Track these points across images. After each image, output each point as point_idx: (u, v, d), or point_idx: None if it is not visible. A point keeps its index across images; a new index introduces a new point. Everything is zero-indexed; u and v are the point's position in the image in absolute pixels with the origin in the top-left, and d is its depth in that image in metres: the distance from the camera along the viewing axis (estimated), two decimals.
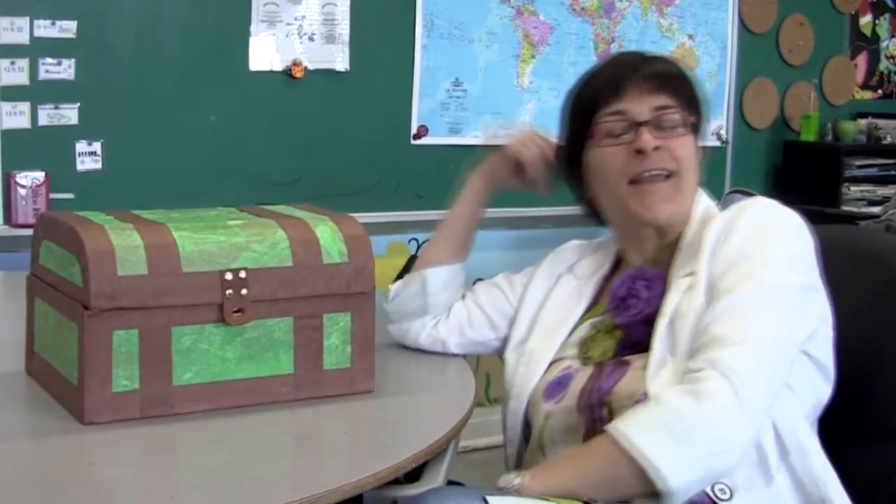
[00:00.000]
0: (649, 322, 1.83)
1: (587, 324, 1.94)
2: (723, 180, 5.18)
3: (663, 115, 1.90)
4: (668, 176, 1.89)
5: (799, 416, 1.80)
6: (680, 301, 1.79)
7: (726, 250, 1.78)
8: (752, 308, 1.72)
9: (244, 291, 1.69)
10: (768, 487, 1.72)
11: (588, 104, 1.95)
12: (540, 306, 2.05)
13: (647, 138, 1.88)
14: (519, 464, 1.96)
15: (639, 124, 1.89)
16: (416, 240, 4.57)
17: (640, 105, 1.90)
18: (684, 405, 1.63)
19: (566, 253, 2.13)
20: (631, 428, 1.62)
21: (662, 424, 1.62)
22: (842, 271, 1.91)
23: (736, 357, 1.65)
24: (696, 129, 1.95)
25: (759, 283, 1.74)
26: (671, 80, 1.93)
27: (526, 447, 1.94)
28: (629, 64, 1.94)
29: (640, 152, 1.88)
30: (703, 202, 1.95)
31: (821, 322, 1.81)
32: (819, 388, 1.84)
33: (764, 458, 1.73)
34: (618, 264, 2.04)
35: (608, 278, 2.02)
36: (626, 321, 1.87)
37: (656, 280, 1.87)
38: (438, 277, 2.12)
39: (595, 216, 2.04)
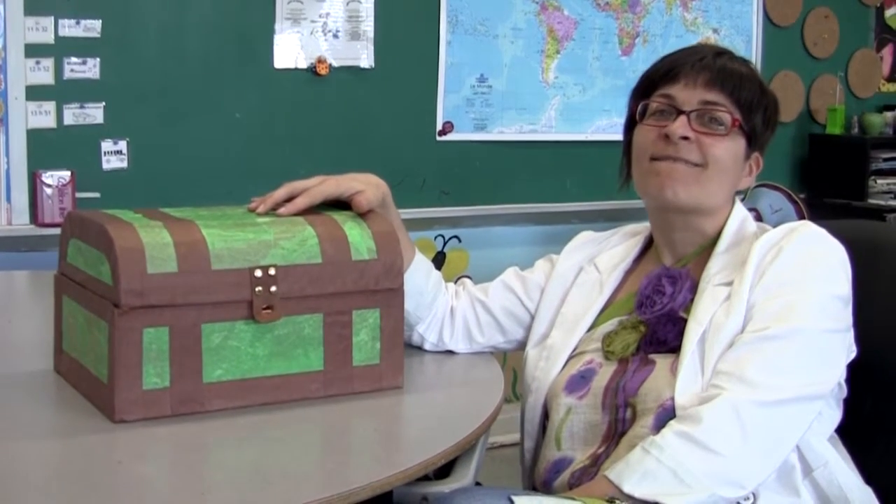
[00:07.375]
0: (674, 319, 1.83)
1: (614, 320, 1.93)
2: None
3: (708, 109, 1.88)
4: (695, 166, 1.88)
5: (823, 435, 1.81)
6: (716, 312, 1.79)
7: (770, 275, 1.78)
8: (785, 352, 1.72)
9: (273, 288, 1.69)
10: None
11: (647, 85, 1.96)
12: (561, 301, 2.04)
13: (677, 126, 1.87)
14: (535, 458, 1.95)
15: (681, 112, 1.88)
16: (443, 236, 4.58)
17: (690, 94, 1.89)
18: (689, 453, 1.63)
19: (584, 244, 2.12)
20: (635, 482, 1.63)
21: (669, 472, 1.62)
22: (869, 266, 1.91)
23: (756, 409, 1.66)
24: (750, 134, 1.92)
25: (797, 322, 1.73)
26: (730, 77, 1.90)
27: (542, 440, 1.93)
28: (697, 54, 1.93)
29: (667, 137, 1.87)
30: (741, 213, 1.94)
31: (847, 354, 1.82)
32: (840, 405, 1.87)
33: (788, 474, 1.74)
34: (640, 258, 2.04)
35: (630, 271, 2.02)
36: (650, 317, 1.86)
37: (682, 277, 1.87)
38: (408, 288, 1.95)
39: None
